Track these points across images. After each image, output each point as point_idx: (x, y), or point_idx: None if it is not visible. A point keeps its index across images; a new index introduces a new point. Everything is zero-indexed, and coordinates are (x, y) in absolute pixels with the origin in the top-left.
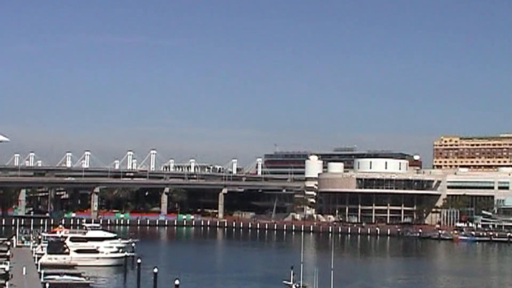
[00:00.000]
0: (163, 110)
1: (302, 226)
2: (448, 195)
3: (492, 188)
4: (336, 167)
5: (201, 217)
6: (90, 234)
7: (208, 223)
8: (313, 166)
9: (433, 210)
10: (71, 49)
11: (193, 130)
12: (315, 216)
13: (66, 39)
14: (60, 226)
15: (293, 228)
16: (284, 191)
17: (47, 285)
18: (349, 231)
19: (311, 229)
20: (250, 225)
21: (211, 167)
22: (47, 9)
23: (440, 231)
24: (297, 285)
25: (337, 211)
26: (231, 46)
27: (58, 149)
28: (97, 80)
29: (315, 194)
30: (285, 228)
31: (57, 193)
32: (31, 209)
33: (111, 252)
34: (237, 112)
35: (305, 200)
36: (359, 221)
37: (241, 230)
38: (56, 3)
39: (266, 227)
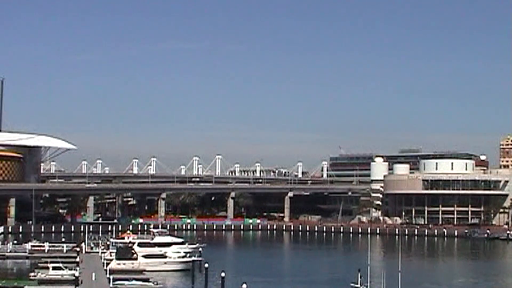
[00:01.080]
0: (228, 115)
1: (369, 229)
2: None
3: None
4: (402, 169)
5: (267, 221)
6: (158, 239)
7: (274, 227)
8: (379, 168)
9: (501, 210)
10: (136, 57)
11: (258, 134)
12: (381, 218)
13: (131, 47)
14: (128, 232)
15: (360, 230)
16: (349, 193)
17: None
18: (415, 233)
19: (378, 231)
20: (316, 228)
21: (277, 171)
22: (111, 18)
23: (508, 232)
24: None
25: (403, 213)
26: (293, 51)
27: (124, 156)
28: (162, 86)
29: (381, 196)
30: (351, 230)
31: (125, 199)
32: (99, 215)
33: (179, 257)
34: (301, 115)
35: (371, 202)
36: (425, 222)
37: (307, 233)
38: (121, 12)
39: (332, 230)
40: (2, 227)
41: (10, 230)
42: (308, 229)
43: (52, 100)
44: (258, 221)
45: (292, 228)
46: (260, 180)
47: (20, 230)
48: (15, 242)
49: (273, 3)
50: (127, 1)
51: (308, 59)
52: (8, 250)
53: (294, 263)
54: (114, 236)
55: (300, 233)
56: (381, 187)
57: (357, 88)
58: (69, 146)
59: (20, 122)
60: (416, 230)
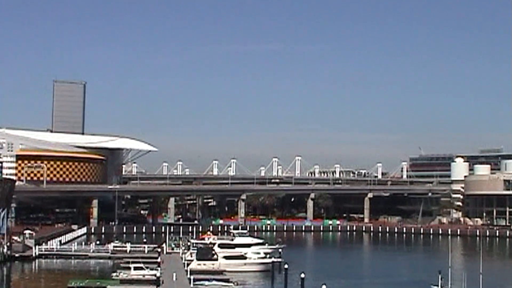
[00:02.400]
0: (307, 116)
1: (449, 230)
2: None
3: None
4: (483, 169)
5: (347, 222)
6: (238, 240)
7: (354, 228)
8: (459, 169)
9: None
10: (214, 58)
11: (337, 135)
12: (462, 219)
13: (208, 49)
14: (209, 232)
15: (440, 232)
16: (430, 194)
17: None
18: (497, 234)
19: (458, 232)
20: (396, 230)
21: (356, 172)
22: (188, 20)
23: None
24: None
25: (484, 214)
26: (372, 51)
27: (205, 158)
28: (241, 88)
29: (461, 197)
30: (431, 232)
31: (205, 201)
32: (180, 216)
33: (259, 258)
34: (381, 116)
35: (452, 203)
36: (507, 224)
37: (387, 234)
38: (198, 14)
39: (413, 231)
40: (85, 228)
41: (92, 231)
42: (387, 230)
43: (133, 103)
44: (338, 222)
45: (371, 229)
46: (340, 181)
47: (103, 231)
48: (98, 242)
49: (351, 2)
50: (203, 3)
51: (386, 60)
52: (91, 251)
53: (374, 265)
54: (194, 237)
55: (379, 234)
56: (462, 187)
57: (437, 88)
58: (150, 148)
59: (102, 125)
60: (497, 232)
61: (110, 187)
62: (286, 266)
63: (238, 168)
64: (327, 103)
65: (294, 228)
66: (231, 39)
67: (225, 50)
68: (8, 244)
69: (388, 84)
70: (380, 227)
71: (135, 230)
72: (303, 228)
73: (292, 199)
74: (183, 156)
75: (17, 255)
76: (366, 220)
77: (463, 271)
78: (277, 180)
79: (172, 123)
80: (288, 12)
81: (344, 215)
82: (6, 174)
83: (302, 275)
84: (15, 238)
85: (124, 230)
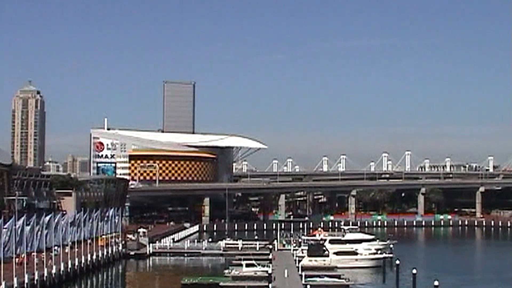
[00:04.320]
0: (416, 110)
1: None
2: None
3: None
4: None
5: (458, 217)
6: (349, 236)
7: (466, 223)
8: None
9: None
10: (320, 55)
11: (447, 129)
12: None
13: (317, 46)
14: (319, 229)
15: None
16: None
17: (308, 286)
18: None
19: None
20: (509, 224)
21: (467, 166)
22: (294, 19)
23: None
24: None
25: None
26: (483, 45)
27: (314, 154)
28: (348, 83)
29: None
30: None
31: (315, 197)
32: (290, 213)
33: (370, 254)
34: (492, 108)
35: None
36: None
37: (500, 229)
38: (299, 14)
39: None
40: (197, 226)
41: (204, 228)
42: (500, 224)
43: (242, 101)
44: (449, 217)
45: (483, 223)
46: (451, 175)
47: (214, 228)
48: (210, 240)
49: None
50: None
51: (494, 51)
52: (203, 248)
53: (486, 260)
54: (305, 233)
55: (492, 229)
56: None
57: None
58: (260, 146)
59: (211, 123)
60: None
61: (221, 185)
62: (397, 262)
63: (348, 164)
64: (435, 97)
65: (405, 224)
66: (335, 36)
67: (329, 46)
68: (123, 242)
69: (498, 76)
70: (492, 222)
71: (246, 227)
72: (414, 223)
73: (403, 194)
74: (293, 153)
75: (131, 253)
76: (478, 214)
77: None
78: (387, 175)
79: (281, 120)
80: (396, 7)
81: (456, 209)
82: (120, 174)
83: (414, 271)
84: (130, 236)
85: (236, 228)
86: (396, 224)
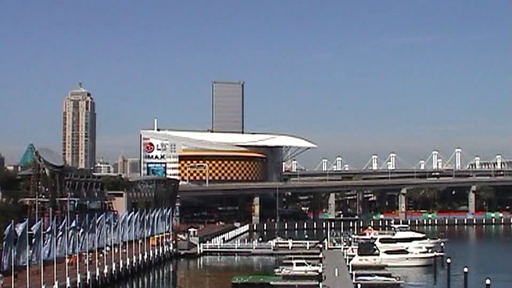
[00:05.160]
0: (466, 107)
1: None
2: None
3: None
4: None
5: (510, 215)
6: (399, 235)
7: None
8: None
9: None
10: (367, 53)
11: (498, 126)
12: None
13: (362, 44)
14: (369, 228)
15: None
16: None
17: (359, 285)
18: None
19: None
20: None
21: None
22: (341, 18)
23: None
24: None
25: None
26: None
27: (363, 153)
28: (397, 81)
29: None
30: None
31: (365, 196)
32: (340, 212)
33: (420, 252)
34: None
35: None
36: None
37: None
38: (353, 10)
39: None
40: (247, 225)
41: (255, 227)
42: None
43: (290, 100)
44: (501, 214)
45: None
46: (502, 173)
47: (265, 228)
48: (260, 239)
49: None
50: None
51: None
52: (254, 247)
53: None
54: (355, 232)
55: None
56: None
57: None
58: (309, 145)
59: (260, 123)
60: None
61: (271, 184)
62: (448, 260)
63: (398, 162)
64: (487, 93)
65: (456, 222)
66: (383, 33)
67: (377, 44)
68: (174, 242)
69: None
70: None
71: (296, 227)
72: (465, 222)
73: (453, 192)
74: (342, 152)
75: (182, 252)
76: None
77: None
78: (437, 173)
79: (330, 119)
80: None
81: (507, 207)
82: (170, 175)
83: (465, 269)
84: (180, 236)
85: (286, 227)
86: (446, 222)
